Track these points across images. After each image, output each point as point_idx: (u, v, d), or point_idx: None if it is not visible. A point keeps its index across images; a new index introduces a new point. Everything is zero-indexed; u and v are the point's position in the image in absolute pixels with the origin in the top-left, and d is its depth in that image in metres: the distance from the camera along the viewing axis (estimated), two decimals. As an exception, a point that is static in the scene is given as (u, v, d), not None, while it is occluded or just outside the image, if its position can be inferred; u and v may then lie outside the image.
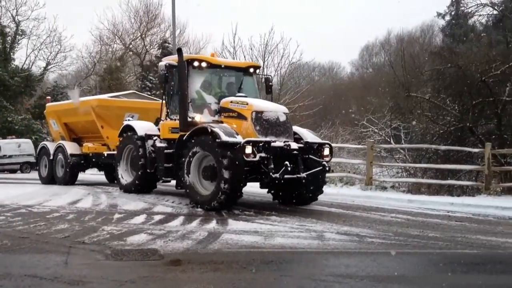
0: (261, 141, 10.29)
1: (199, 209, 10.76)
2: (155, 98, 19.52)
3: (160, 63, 11.78)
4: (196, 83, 11.73)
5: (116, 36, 37.07)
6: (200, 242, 7.40)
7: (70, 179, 17.09)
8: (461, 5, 30.62)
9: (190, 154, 10.81)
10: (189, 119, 11.08)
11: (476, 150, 16.27)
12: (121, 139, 13.75)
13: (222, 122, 11.08)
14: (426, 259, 7.06)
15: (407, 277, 6.01)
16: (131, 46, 37.15)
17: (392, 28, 59.50)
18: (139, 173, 12.78)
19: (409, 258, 7.07)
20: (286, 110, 11.48)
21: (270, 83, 12.90)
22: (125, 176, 13.68)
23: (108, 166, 16.58)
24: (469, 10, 29.13)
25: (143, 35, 36.73)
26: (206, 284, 5.37)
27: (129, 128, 13.31)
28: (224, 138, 10.00)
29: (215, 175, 10.32)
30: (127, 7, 40.78)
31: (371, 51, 53.54)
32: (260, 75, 13.24)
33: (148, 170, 12.52)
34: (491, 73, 17.31)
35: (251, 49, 29.60)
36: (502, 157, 16.59)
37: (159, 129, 12.61)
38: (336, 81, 49.90)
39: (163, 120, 12.34)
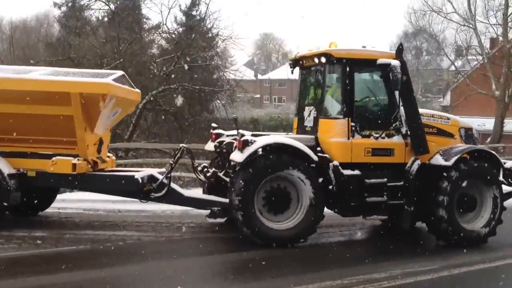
0: None
1: None
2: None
3: (394, 62, 8.41)
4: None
5: None
6: None
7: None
8: (81, -3, 30.42)
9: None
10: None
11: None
12: (247, 163, 8.14)
13: None
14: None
15: None
16: None
17: (5, 15, 56.18)
18: (317, 214, 8.44)
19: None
20: None
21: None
22: (267, 221, 8.42)
23: None
24: (84, 3, 29.39)
25: None
26: None
27: (275, 149, 8.25)
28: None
29: (474, 206, 8.92)
30: None
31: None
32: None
33: (332, 210, 8.97)
34: (103, 68, 17.87)
35: None
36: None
37: (315, 148, 8.68)
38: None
39: (348, 139, 8.64)
